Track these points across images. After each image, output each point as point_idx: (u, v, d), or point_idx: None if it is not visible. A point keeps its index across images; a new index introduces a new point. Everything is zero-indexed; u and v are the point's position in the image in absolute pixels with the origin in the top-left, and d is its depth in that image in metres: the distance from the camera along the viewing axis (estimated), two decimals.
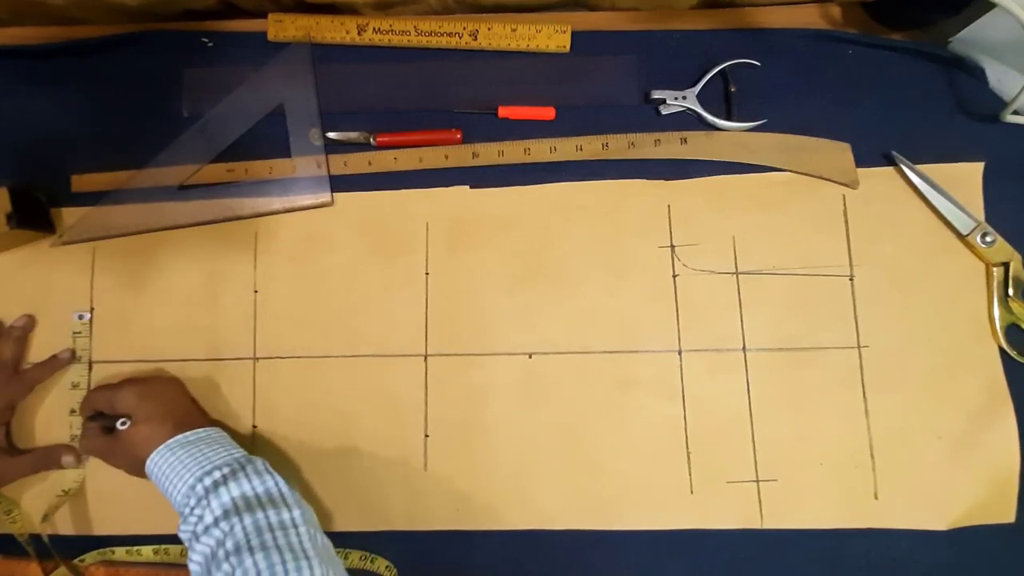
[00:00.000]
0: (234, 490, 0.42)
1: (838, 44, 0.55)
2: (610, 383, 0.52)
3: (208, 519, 0.41)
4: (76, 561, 0.51)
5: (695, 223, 0.53)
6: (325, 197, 0.54)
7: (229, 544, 0.39)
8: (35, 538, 0.51)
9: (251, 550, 0.38)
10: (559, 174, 0.54)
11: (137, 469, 0.46)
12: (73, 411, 0.53)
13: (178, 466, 0.44)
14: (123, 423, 0.47)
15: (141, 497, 0.52)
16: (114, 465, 0.49)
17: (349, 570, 0.50)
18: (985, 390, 0.51)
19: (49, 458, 0.52)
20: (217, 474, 0.43)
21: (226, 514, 0.41)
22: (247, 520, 0.40)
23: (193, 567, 0.41)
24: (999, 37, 0.51)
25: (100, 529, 0.52)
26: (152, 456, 0.45)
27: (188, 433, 0.46)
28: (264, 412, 0.53)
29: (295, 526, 0.41)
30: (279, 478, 0.44)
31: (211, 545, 0.40)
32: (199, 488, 0.42)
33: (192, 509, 0.42)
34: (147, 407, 0.47)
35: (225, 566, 0.38)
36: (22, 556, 0.52)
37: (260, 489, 0.43)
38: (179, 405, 0.50)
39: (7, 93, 0.57)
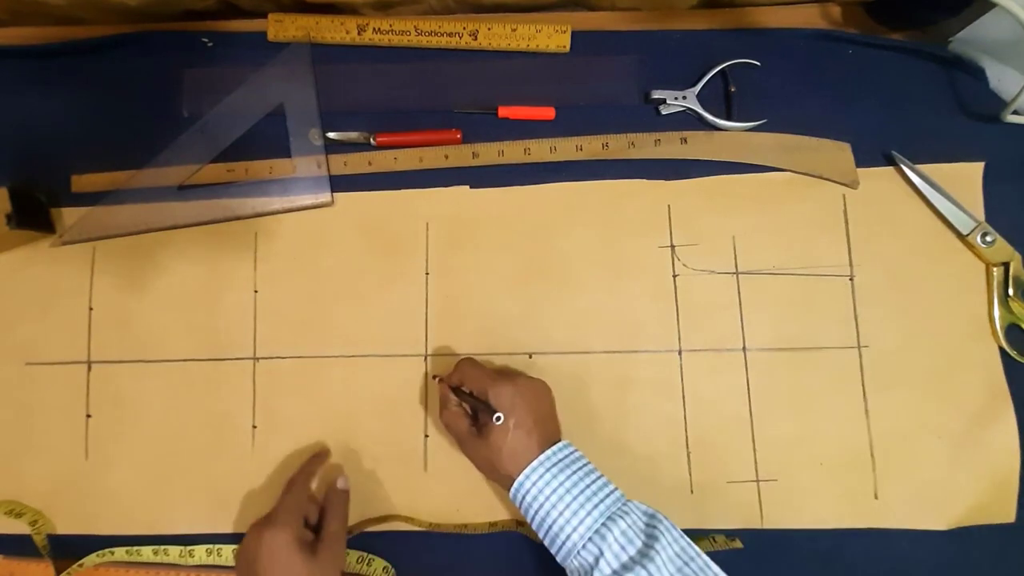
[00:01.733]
0: (661, 555, 0.40)
1: (838, 44, 0.55)
2: (610, 383, 0.52)
3: (605, 569, 0.39)
4: (76, 565, 0.51)
5: (695, 223, 0.53)
6: (325, 197, 0.54)
7: None
8: (52, 540, 0.52)
9: None
10: (559, 174, 0.54)
11: (493, 473, 0.45)
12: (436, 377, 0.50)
13: (567, 497, 0.41)
14: (498, 418, 0.44)
15: (142, 497, 0.53)
16: (464, 453, 0.47)
17: (348, 571, 0.50)
18: (985, 390, 0.51)
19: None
20: (624, 524, 0.41)
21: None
22: None
23: None
24: (999, 37, 0.51)
25: (100, 529, 0.52)
26: (526, 473, 0.42)
27: (555, 449, 0.43)
28: (264, 412, 0.53)
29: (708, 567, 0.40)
30: (691, 542, 0.42)
31: None
32: (612, 542, 0.40)
33: (588, 552, 0.40)
34: (521, 412, 0.44)
35: None
36: (22, 556, 0.52)
37: (682, 559, 0.41)
38: (549, 416, 0.47)
39: (7, 93, 0.57)
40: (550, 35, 0.55)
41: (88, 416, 0.54)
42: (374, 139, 0.55)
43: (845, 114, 0.54)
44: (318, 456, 0.51)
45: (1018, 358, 0.50)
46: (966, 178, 0.53)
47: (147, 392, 0.53)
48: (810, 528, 0.50)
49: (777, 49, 0.55)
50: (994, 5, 0.46)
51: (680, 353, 0.52)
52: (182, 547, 0.51)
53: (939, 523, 0.50)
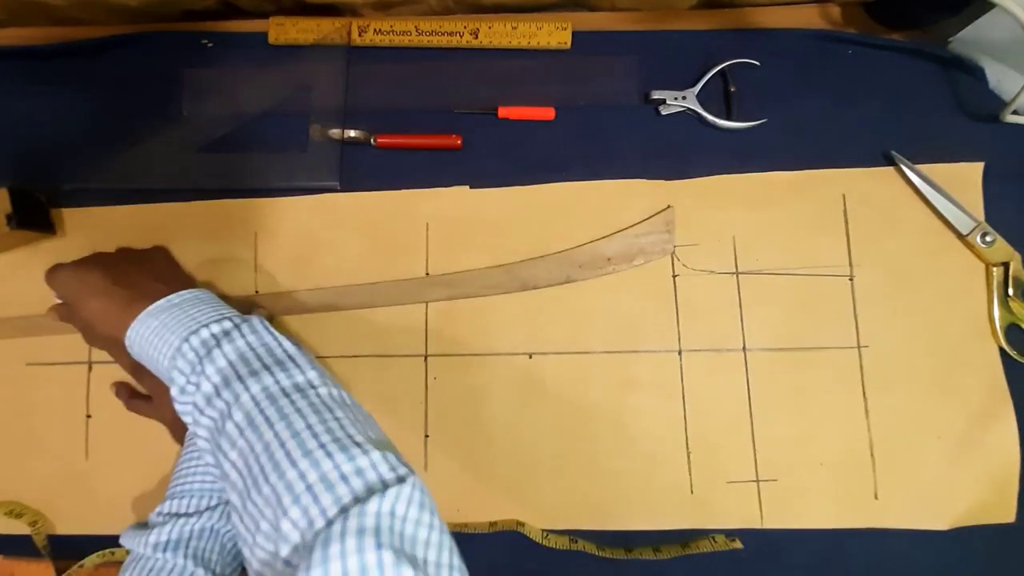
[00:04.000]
0: (230, 353, 0.37)
1: (838, 44, 0.55)
2: (610, 383, 0.52)
3: (207, 387, 0.36)
4: (76, 566, 0.51)
5: (695, 223, 0.53)
6: (333, 182, 0.54)
7: (238, 416, 0.34)
8: (52, 540, 0.52)
9: (268, 421, 0.33)
10: (559, 174, 0.54)
11: (124, 352, 0.43)
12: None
13: (162, 330, 0.39)
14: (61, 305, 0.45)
15: (142, 497, 0.53)
16: (98, 347, 0.47)
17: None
18: (985, 390, 0.51)
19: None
20: (206, 333, 0.38)
21: (226, 380, 0.36)
22: (254, 386, 0.35)
23: (201, 443, 0.37)
24: (999, 37, 0.51)
25: (100, 529, 0.52)
26: (132, 326, 0.40)
27: (171, 296, 0.41)
28: None
29: (312, 387, 0.36)
30: (283, 336, 0.39)
31: (215, 418, 0.36)
32: (187, 351, 0.37)
33: (187, 378, 0.37)
34: (92, 282, 0.43)
35: (241, 441, 0.33)
36: (23, 556, 0.52)
37: (261, 349, 0.37)
38: (140, 275, 0.44)
39: (7, 93, 0.57)
40: (551, 32, 0.55)
41: (88, 416, 0.54)
42: (374, 139, 0.55)
43: (845, 114, 0.54)
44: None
45: (1018, 358, 0.50)
46: (966, 178, 0.53)
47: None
48: (810, 528, 0.50)
49: (777, 49, 0.55)
50: (994, 5, 0.46)
51: (680, 353, 0.52)
52: None
53: (939, 523, 0.50)
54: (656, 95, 0.54)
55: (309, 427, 0.33)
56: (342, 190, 0.55)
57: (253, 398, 0.35)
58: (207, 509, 0.44)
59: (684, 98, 0.54)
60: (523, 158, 0.54)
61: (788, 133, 0.54)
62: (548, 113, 0.55)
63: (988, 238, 0.51)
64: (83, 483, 0.53)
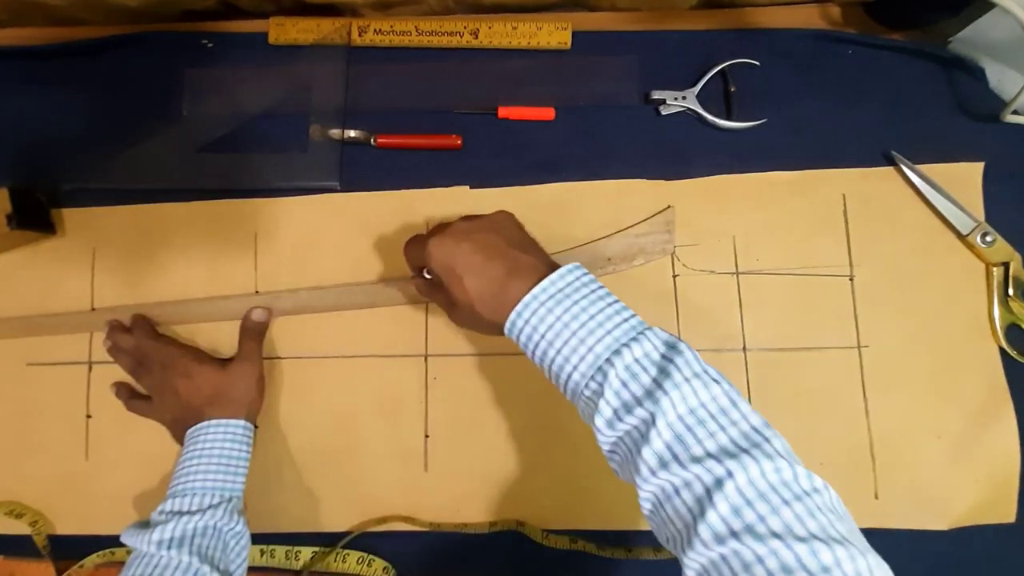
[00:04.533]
0: (679, 405, 0.33)
1: (838, 44, 0.55)
2: None
3: (657, 447, 0.32)
4: (76, 566, 0.51)
5: (695, 223, 0.53)
6: (333, 182, 0.54)
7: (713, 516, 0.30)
8: (52, 540, 0.52)
9: (757, 537, 0.29)
10: (559, 174, 0.54)
11: (485, 329, 0.40)
12: None
13: (561, 329, 0.35)
14: (429, 273, 0.42)
15: (142, 498, 0.53)
16: (462, 325, 0.44)
17: (348, 572, 0.50)
18: (985, 390, 0.51)
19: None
20: (638, 351, 0.34)
21: (680, 441, 0.32)
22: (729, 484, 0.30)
23: (644, 505, 0.33)
24: (999, 37, 0.51)
25: (100, 529, 0.52)
26: (517, 312, 0.36)
27: (553, 278, 0.36)
28: (264, 412, 0.53)
29: (808, 493, 0.32)
30: (721, 377, 0.35)
31: (663, 492, 0.32)
32: (613, 379, 0.33)
33: (615, 412, 0.33)
34: (465, 257, 0.39)
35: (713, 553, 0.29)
36: (23, 556, 0.52)
37: (711, 408, 0.33)
38: (518, 246, 0.40)
39: (7, 93, 0.57)
40: (551, 32, 0.55)
41: (88, 416, 0.54)
42: (375, 139, 0.55)
43: (845, 114, 0.54)
44: (135, 321, 0.52)
45: (1018, 358, 0.50)
46: (966, 178, 0.53)
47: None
48: None
49: (777, 49, 0.55)
50: (994, 5, 0.46)
51: None
52: None
53: (939, 523, 0.50)
54: (656, 95, 0.54)
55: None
56: (342, 190, 0.55)
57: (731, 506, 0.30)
58: (209, 507, 0.44)
59: (684, 98, 0.54)
60: (523, 158, 0.54)
61: (788, 133, 0.54)
62: (548, 113, 0.55)
63: (988, 238, 0.51)
64: (83, 483, 0.53)
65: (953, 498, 0.50)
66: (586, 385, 0.35)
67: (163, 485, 0.52)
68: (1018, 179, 0.53)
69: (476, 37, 0.55)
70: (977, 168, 0.53)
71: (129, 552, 0.51)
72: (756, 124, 0.54)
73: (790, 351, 0.52)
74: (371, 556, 0.51)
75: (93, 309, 0.54)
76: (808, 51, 0.55)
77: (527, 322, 0.36)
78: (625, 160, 0.54)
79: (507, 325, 0.37)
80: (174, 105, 0.56)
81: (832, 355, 0.52)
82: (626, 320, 0.36)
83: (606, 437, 0.35)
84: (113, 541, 0.52)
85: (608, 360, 0.34)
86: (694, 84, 0.54)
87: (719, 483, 0.30)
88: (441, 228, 0.41)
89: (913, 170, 0.52)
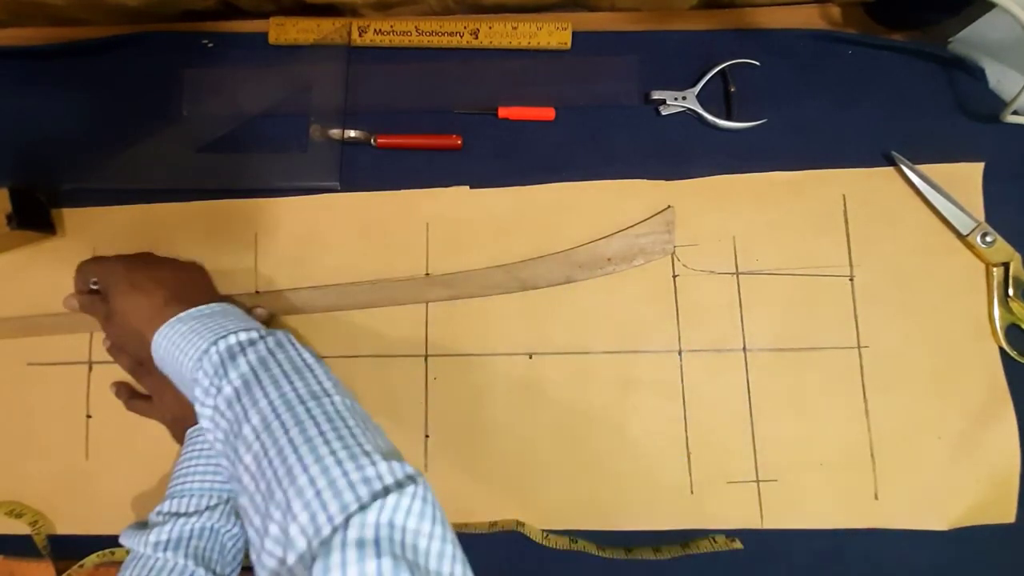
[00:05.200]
0: (253, 360, 0.38)
1: (838, 44, 0.55)
2: (610, 383, 0.52)
3: (228, 391, 0.37)
4: (76, 566, 0.51)
5: (695, 223, 0.53)
6: (333, 182, 0.54)
7: (255, 420, 0.35)
8: (52, 540, 0.52)
9: (283, 426, 0.34)
10: (559, 174, 0.54)
11: (143, 348, 0.44)
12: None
13: (190, 335, 0.40)
14: (94, 283, 0.48)
15: (142, 497, 0.53)
16: (114, 339, 0.49)
17: None
18: (985, 390, 0.51)
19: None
20: (232, 340, 0.39)
21: (247, 385, 0.37)
22: (272, 392, 0.36)
23: (218, 447, 0.38)
24: (999, 37, 0.51)
25: (100, 529, 0.52)
26: (163, 326, 0.42)
27: (202, 307, 0.43)
28: None
29: (327, 395, 0.37)
30: (304, 347, 0.41)
31: (232, 421, 0.36)
32: (213, 354, 0.39)
33: (211, 380, 0.38)
34: (135, 276, 0.45)
35: (256, 445, 0.34)
36: (23, 556, 0.52)
37: (282, 356, 0.39)
38: (185, 286, 0.47)
39: (7, 93, 0.57)
40: (551, 32, 0.55)
41: (88, 416, 0.54)
42: (375, 139, 0.55)
43: (845, 114, 0.54)
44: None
45: (1018, 358, 0.50)
46: (966, 178, 0.53)
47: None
48: (810, 528, 0.50)
49: (777, 49, 0.55)
50: (994, 5, 0.46)
51: (680, 353, 0.52)
52: None
53: (939, 523, 0.50)
54: (656, 95, 0.54)
55: (322, 434, 0.34)
56: (342, 190, 0.55)
57: (271, 403, 0.35)
58: (207, 509, 0.44)
59: (684, 98, 0.54)
60: (523, 158, 0.54)
61: (788, 133, 0.54)
62: (548, 113, 0.55)
63: (988, 238, 0.51)
64: (83, 483, 0.53)
65: (953, 498, 0.50)
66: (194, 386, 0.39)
67: (163, 485, 0.52)
68: (1018, 179, 0.53)
69: (476, 37, 0.55)
70: (977, 168, 0.53)
71: (128, 552, 0.51)
72: (756, 124, 0.54)
73: (790, 351, 0.52)
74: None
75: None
76: (808, 51, 0.55)
77: (166, 335, 0.42)
78: (625, 160, 0.54)
79: (154, 336, 0.42)
80: (174, 105, 0.56)
81: (832, 355, 0.52)
82: (246, 328, 0.41)
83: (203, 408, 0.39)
84: (113, 541, 0.52)
85: (207, 350, 0.39)
86: (694, 84, 0.54)
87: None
88: (129, 256, 0.49)
89: (913, 170, 0.52)
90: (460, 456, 0.52)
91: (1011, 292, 0.51)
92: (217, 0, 0.57)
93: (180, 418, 0.49)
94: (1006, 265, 0.51)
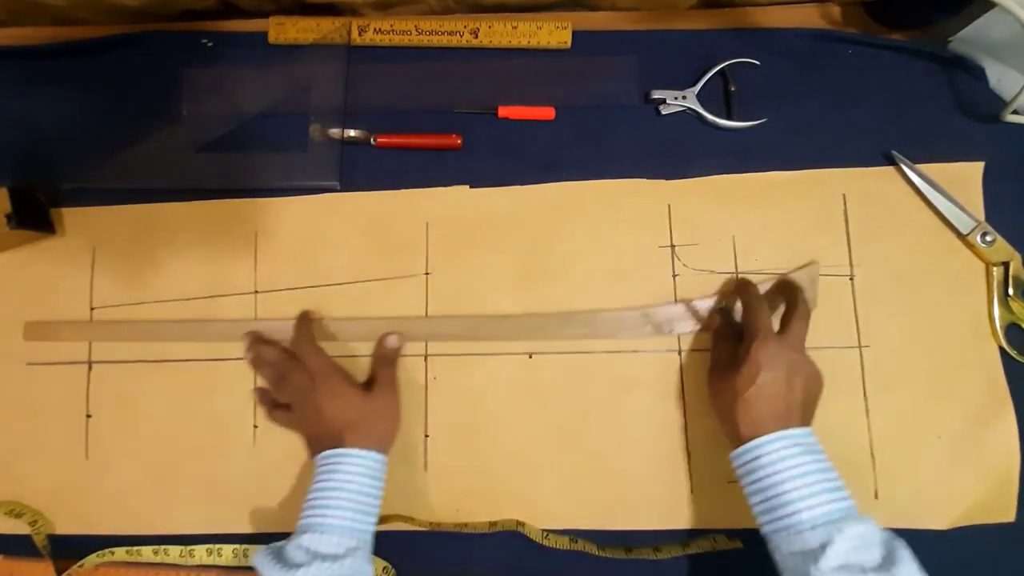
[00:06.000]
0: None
1: (838, 44, 0.55)
2: (610, 383, 0.52)
3: None
4: (76, 566, 0.51)
5: (695, 223, 0.53)
6: (333, 182, 0.54)
7: None
8: (52, 540, 0.52)
9: None
10: (559, 174, 0.54)
11: (721, 415, 0.45)
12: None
13: (808, 476, 0.41)
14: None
15: (142, 497, 0.53)
16: (709, 378, 0.49)
17: None
18: (985, 390, 0.51)
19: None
20: None
21: None
22: None
23: None
24: (999, 37, 0.51)
25: (100, 529, 0.52)
26: (770, 438, 0.42)
27: (806, 431, 0.43)
28: (264, 412, 0.53)
29: None
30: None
31: None
32: None
33: None
34: (777, 373, 0.43)
35: None
36: (22, 556, 0.52)
37: None
38: (807, 402, 0.45)
39: (7, 93, 0.57)
40: (551, 32, 0.55)
41: (88, 416, 0.54)
42: (374, 139, 0.55)
43: (845, 114, 0.54)
44: (303, 318, 0.52)
45: (1018, 358, 0.50)
46: (966, 178, 0.53)
47: (147, 392, 0.53)
48: None
49: (777, 49, 0.55)
50: (994, 5, 0.46)
51: (680, 353, 0.52)
52: (182, 547, 0.51)
53: (939, 523, 0.50)
54: (656, 95, 0.54)
55: None
56: (342, 190, 0.55)
57: None
58: (348, 553, 0.43)
59: (684, 98, 0.54)
60: (523, 158, 0.54)
61: (788, 133, 0.54)
62: (548, 113, 0.55)
63: (988, 238, 0.51)
64: (83, 483, 0.53)
65: (953, 498, 0.50)
66: (811, 528, 0.39)
67: (163, 485, 0.52)
68: (1018, 179, 0.53)
69: (476, 37, 0.55)
70: (977, 168, 0.53)
71: (128, 551, 0.51)
72: (756, 124, 0.54)
73: None
74: (371, 556, 0.51)
75: (91, 309, 0.54)
76: (808, 51, 0.55)
77: (776, 451, 0.41)
78: (625, 160, 0.54)
79: (758, 440, 0.42)
80: (174, 105, 0.56)
81: (832, 354, 0.51)
82: (848, 497, 0.41)
83: None
84: (113, 541, 0.52)
85: (842, 520, 0.39)
86: (694, 84, 0.54)
87: None
88: (795, 323, 0.46)
89: (913, 170, 0.52)
90: (460, 456, 0.52)
91: (1011, 292, 0.51)
92: (217, 0, 0.57)
93: (317, 437, 0.48)
94: (1006, 265, 0.51)
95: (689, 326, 0.52)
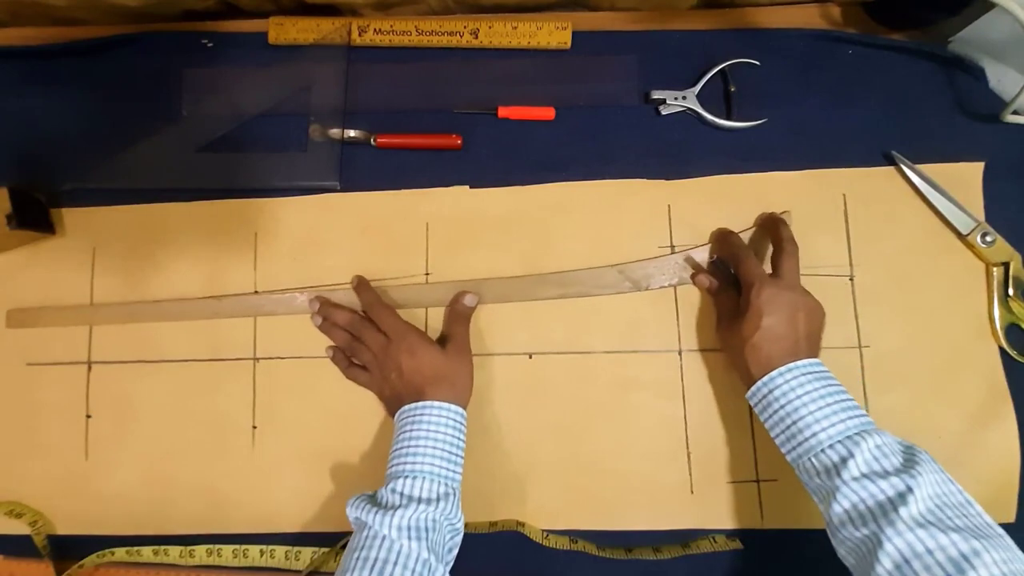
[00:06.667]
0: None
1: (838, 44, 0.55)
2: (610, 383, 0.52)
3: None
4: (76, 566, 0.51)
5: (695, 223, 0.53)
6: (333, 182, 0.54)
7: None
8: (52, 540, 0.52)
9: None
10: (559, 174, 0.54)
11: (735, 360, 0.47)
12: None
13: (819, 399, 0.42)
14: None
15: (142, 497, 0.53)
16: (717, 331, 0.50)
17: None
18: (985, 390, 0.51)
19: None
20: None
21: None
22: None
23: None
24: (999, 37, 0.51)
25: (100, 529, 0.52)
26: (780, 371, 0.43)
27: (812, 362, 0.44)
28: (264, 412, 0.53)
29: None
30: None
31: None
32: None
33: None
34: (781, 315, 0.45)
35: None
36: (22, 556, 0.52)
37: None
38: (811, 335, 0.46)
39: (7, 93, 0.57)
40: (551, 32, 0.55)
41: (88, 416, 0.54)
42: (374, 139, 0.55)
43: (845, 114, 0.54)
44: (362, 283, 0.53)
45: (1018, 358, 0.50)
46: (966, 178, 0.53)
47: (147, 392, 0.53)
48: (810, 528, 0.50)
49: (777, 49, 0.55)
50: (994, 5, 0.46)
51: (680, 353, 0.52)
52: (182, 547, 0.51)
53: None
54: (656, 95, 0.54)
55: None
56: (342, 190, 0.55)
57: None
58: (440, 498, 0.44)
59: (684, 98, 0.54)
60: (523, 158, 0.54)
61: (788, 133, 0.54)
62: (548, 113, 0.55)
63: (988, 238, 0.51)
64: (83, 483, 0.53)
65: None
66: (830, 447, 0.41)
67: (163, 485, 0.52)
68: (1018, 179, 0.53)
69: (476, 37, 0.55)
70: (977, 168, 0.53)
71: (128, 551, 0.51)
72: (756, 124, 0.54)
73: None
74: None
75: (92, 305, 0.55)
76: (808, 51, 0.55)
77: (787, 382, 0.43)
78: (625, 160, 0.54)
79: (769, 375, 0.44)
80: (174, 105, 0.56)
81: (832, 355, 0.51)
82: (864, 415, 0.42)
83: (849, 490, 0.39)
84: (113, 541, 0.52)
85: (858, 435, 0.40)
86: (694, 84, 0.54)
87: (976, 553, 0.35)
88: (786, 260, 0.48)
89: (913, 170, 0.52)
90: None
91: (1011, 292, 0.51)
92: (217, 0, 0.57)
93: (398, 394, 0.48)
94: (1006, 265, 0.51)
95: (666, 280, 0.52)
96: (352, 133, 0.55)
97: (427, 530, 0.42)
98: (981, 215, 0.52)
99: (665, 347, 0.52)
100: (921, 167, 0.52)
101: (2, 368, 0.54)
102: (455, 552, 0.46)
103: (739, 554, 0.49)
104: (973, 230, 0.51)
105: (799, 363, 0.44)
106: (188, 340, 0.54)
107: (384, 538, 0.41)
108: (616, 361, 0.52)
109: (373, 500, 0.44)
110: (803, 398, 0.42)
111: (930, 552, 0.35)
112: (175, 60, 0.56)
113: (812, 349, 0.46)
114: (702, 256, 0.52)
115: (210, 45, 0.57)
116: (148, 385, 0.53)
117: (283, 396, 0.53)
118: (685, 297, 0.53)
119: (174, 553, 0.51)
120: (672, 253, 0.53)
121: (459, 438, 0.47)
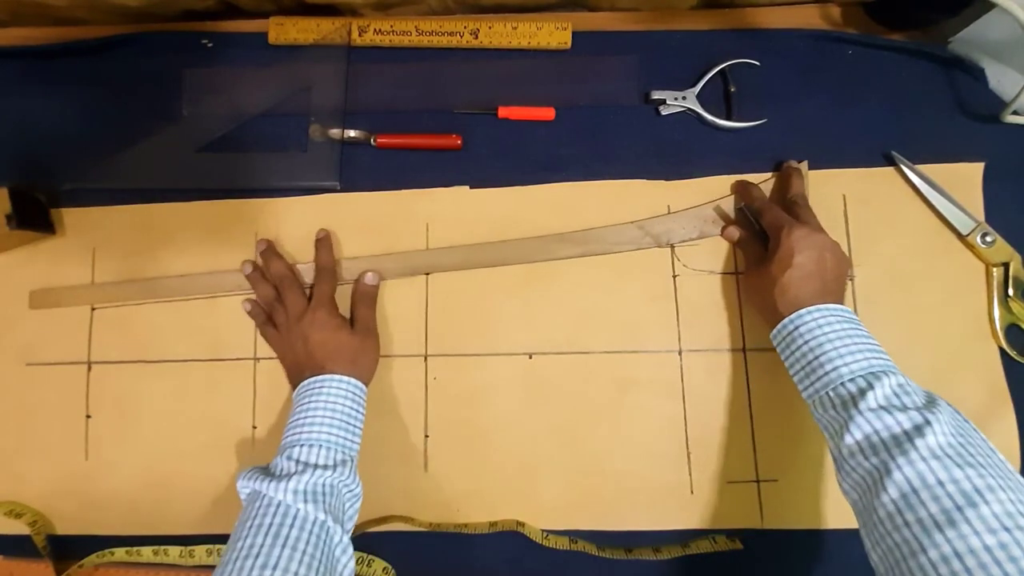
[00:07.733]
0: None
1: (838, 44, 0.55)
2: (610, 383, 0.52)
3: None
4: (76, 566, 0.51)
5: None
6: (332, 182, 0.54)
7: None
8: (51, 540, 0.52)
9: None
10: (559, 174, 0.54)
11: (761, 303, 0.48)
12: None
13: (845, 338, 0.42)
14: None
15: (142, 497, 0.53)
16: (745, 278, 0.52)
17: None
18: (985, 390, 0.51)
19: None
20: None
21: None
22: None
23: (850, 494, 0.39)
24: (999, 37, 0.51)
25: (100, 529, 0.52)
26: (809, 310, 0.43)
27: (840, 307, 0.44)
28: (264, 412, 0.53)
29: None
30: None
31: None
32: None
33: None
34: (808, 255, 0.45)
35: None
36: (22, 556, 0.52)
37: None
38: (836, 277, 0.47)
39: (7, 93, 0.57)
40: (551, 32, 0.55)
41: (88, 416, 0.54)
42: (374, 140, 0.55)
43: (845, 114, 0.54)
44: (322, 242, 0.53)
45: (1018, 358, 0.50)
46: (966, 178, 0.53)
47: (147, 392, 0.53)
48: (810, 528, 0.50)
49: (777, 49, 0.55)
50: (994, 5, 0.46)
51: (680, 353, 0.52)
52: (182, 547, 0.51)
53: None
54: (656, 95, 0.54)
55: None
56: (342, 190, 0.55)
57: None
58: (337, 464, 0.43)
59: (684, 98, 0.54)
60: (523, 158, 0.54)
61: (788, 133, 0.54)
62: (548, 113, 0.55)
63: (988, 238, 0.51)
64: (82, 483, 0.53)
65: None
66: (850, 380, 0.40)
67: (163, 485, 0.52)
68: (1018, 179, 0.53)
69: (476, 37, 0.55)
70: (977, 168, 0.53)
71: (128, 551, 0.51)
72: (756, 124, 0.54)
73: None
74: (371, 556, 0.51)
75: (92, 309, 0.55)
76: (808, 51, 0.55)
77: (815, 319, 0.43)
78: (625, 160, 0.54)
79: (797, 312, 0.44)
80: (174, 105, 0.56)
81: None
82: (889, 359, 0.42)
83: (864, 420, 0.38)
84: (113, 541, 0.52)
85: (882, 372, 0.40)
86: (694, 84, 0.54)
87: (991, 489, 0.33)
88: (803, 211, 0.48)
89: (913, 170, 0.52)
90: (460, 456, 0.52)
91: (1011, 292, 0.51)
92: (217, 0, 0.57)
93: (299, 365, 0.49)
94: (1006, 265, 0.51)
95: (687, 234, 0.53)
96: (352, 133, 0.55)
97: (324, 494, 0.42)
98: (981, 215, 0.52)
99: (665, 347, 0.52)
100: (921, 167, 0.52)
101: (2, 368, 0.54)
102: (355, 519, 0.45)
103: (739, 554, 0.49)
104: (973, 230, 0.51)
105: (830, 305, 0.44)
106: (188, 340, 0.54)
107: (280, 503, 0.41)
108: (616, 361, 0.52)
109: (266, 471, 0.43)
110: (829, 335, 0.42)
111: (941, 484, 0.34)
112: (175, 60, 0.56)
113: (839, 294, 0.46)
114: (728, 206, 0.53)
115: (210, 45, 0.57)
116: (148, 385, 0.53)
117: (283, 396, 0.53)
118: (685, 296, 0.53)
119: (174, 553, 0.51)
120: (692, 208, 0.53)
121: (357, 410, 0.47)
